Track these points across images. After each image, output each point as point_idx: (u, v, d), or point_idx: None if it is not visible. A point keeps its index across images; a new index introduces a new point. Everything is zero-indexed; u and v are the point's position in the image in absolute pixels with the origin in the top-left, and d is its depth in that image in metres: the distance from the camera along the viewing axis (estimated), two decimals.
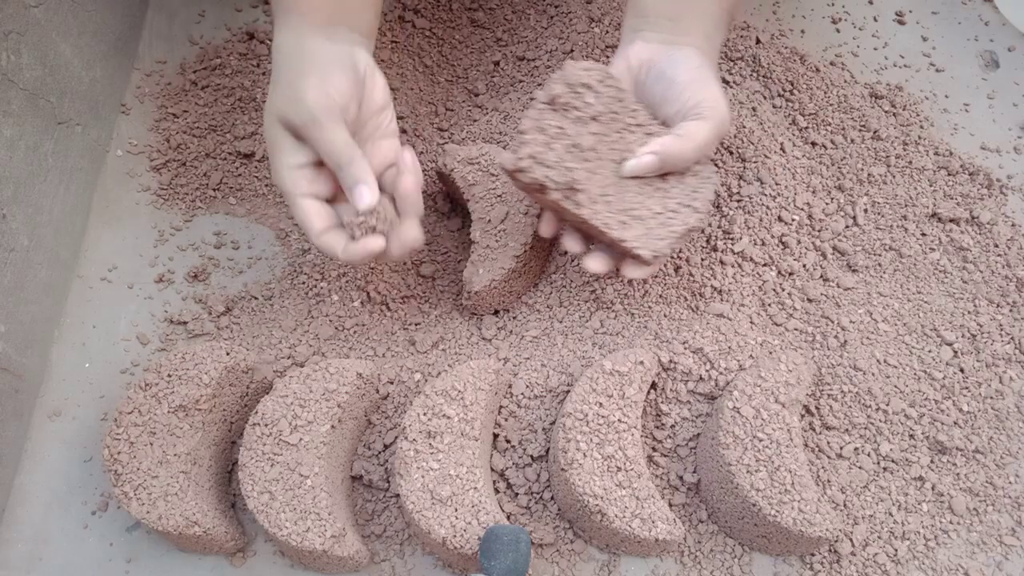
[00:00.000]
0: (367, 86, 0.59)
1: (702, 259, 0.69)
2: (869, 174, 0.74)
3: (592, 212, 0.56)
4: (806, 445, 0.62)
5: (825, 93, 0.78)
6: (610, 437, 0.57)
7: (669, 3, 0.60)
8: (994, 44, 0.84)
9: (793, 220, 0.71)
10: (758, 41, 0.81)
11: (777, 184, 0.72)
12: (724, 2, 0.61)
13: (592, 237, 0.61)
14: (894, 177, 0.74)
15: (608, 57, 0.80)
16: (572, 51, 0.79)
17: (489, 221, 0.66)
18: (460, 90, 0.81)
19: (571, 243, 0.61)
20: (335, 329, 0.68)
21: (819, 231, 0.71)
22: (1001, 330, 0.68)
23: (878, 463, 0.62)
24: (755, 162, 0.73)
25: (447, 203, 0.75)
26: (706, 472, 0.59)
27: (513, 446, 0.62)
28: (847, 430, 0.63)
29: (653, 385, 0.63)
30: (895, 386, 0.65)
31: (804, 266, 0.70)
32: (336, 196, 0.59)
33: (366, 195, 0.55)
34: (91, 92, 0.73)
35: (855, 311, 0.68)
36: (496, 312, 0.68)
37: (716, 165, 0.71)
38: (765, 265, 0.69)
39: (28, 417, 0.64)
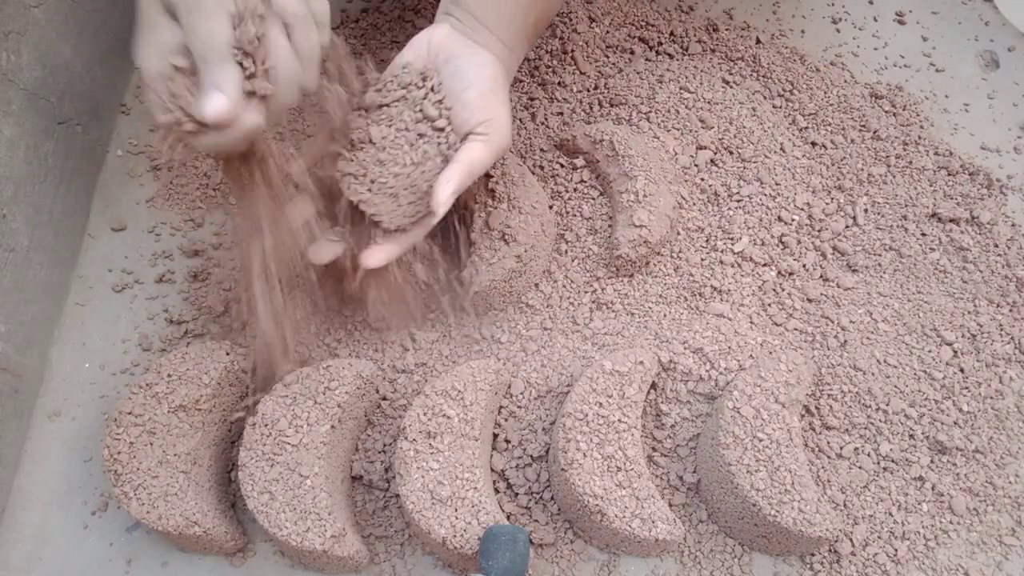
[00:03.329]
0: None
1: (702, 259, 0.69)
2: (869, 174, 0.74)
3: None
4: (806, 445, 0.62)
5: (825, 93, 0.78)
6: (610, 437, 0.57)
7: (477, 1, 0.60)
8: (994, 44, 0.84)
9: (793, 220, 0.71)
10: (758, 41, 0.81)
11: (777, 184, 0.72)
12: (530, 16, 0.61)
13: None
14: (894, 177, 0.74)
15: (608, 56, 0.80)
16: (572, 51, 0.79)
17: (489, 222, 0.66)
18: None
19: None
20: (336, 329, 0.68)
21: (819, 231, 0.71)
22: (1001, 330, 0.68)
23: (878, 463, 0.62)
24: (755, 162, 0.73)
25: None
26: (706, 472, 0.59)
27: (513, 446, 0.62)
28: (847, 430, 0.63)
29: (653, 385, 0.63)
30: (895, 386, 0.65)
31: (804, 266, 0.70)
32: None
33: (218, 102, 0.47)
34: (91, 92, 0.73)
35: (855, 311, 0.68)
36: (496, 312, 0.68)
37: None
38: (765, 265, 0.69)
39: (28, 417, 0.64)
